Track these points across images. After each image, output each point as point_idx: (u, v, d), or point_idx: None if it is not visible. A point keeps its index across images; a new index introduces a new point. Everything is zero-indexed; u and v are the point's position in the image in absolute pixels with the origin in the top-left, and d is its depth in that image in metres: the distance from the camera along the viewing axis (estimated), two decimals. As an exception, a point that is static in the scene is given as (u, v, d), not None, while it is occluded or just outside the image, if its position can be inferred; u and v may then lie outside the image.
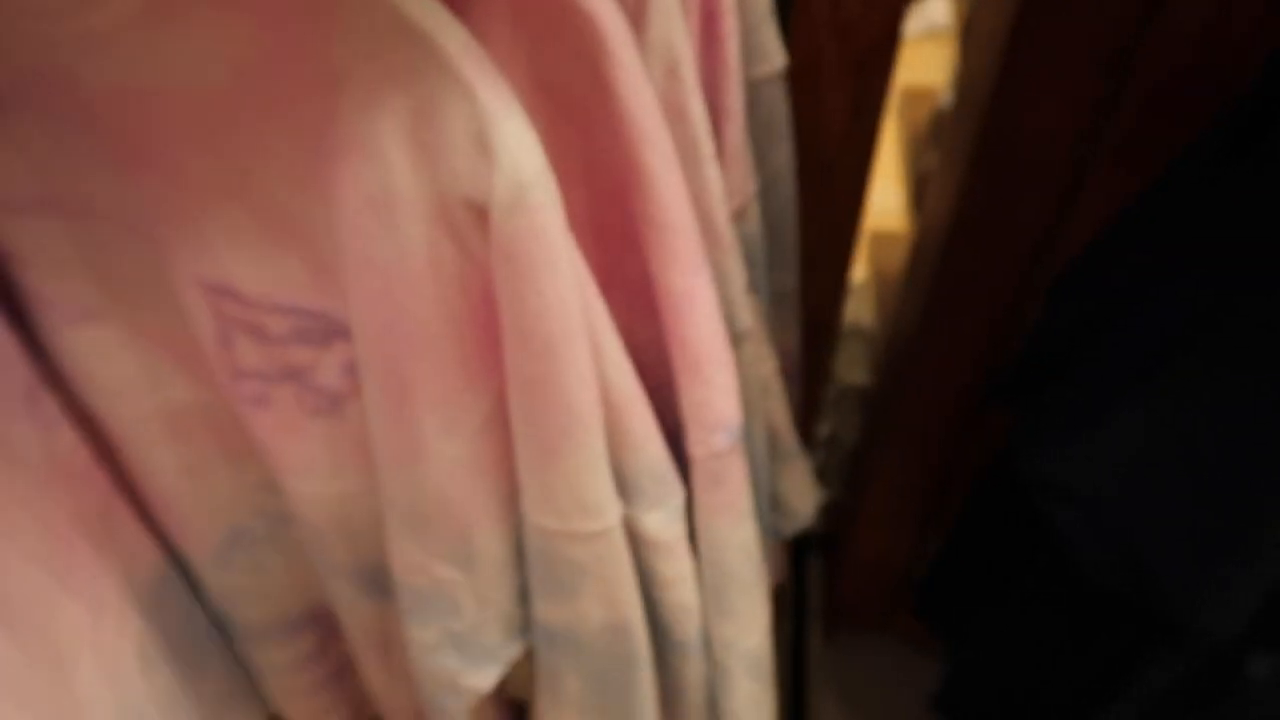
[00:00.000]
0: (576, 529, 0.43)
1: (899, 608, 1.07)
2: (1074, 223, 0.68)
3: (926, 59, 1.20)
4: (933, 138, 1.11)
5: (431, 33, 0.32)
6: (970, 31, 0.82)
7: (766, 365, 0.58)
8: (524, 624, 0.51)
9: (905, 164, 1.21)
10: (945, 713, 0.76)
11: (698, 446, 0.45)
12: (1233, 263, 0.49)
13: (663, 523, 0.45)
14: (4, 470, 0.42)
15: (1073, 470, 0.53)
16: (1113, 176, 0.64)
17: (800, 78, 0.62)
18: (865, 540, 1.03)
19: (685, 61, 0.41)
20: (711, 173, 0.45)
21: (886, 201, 1.18)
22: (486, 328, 0.39)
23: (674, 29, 0.40)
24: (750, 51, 0.53)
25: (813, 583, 1.16)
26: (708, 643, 0.51)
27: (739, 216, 0.54)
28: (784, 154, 0.60)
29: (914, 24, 1.25)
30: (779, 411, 0.61)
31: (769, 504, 0.64)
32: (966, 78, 0.75)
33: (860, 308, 1.13)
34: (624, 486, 0.43)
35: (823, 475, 1.10)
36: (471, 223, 0.36)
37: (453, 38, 0.33)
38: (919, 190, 1.12)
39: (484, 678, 0.51)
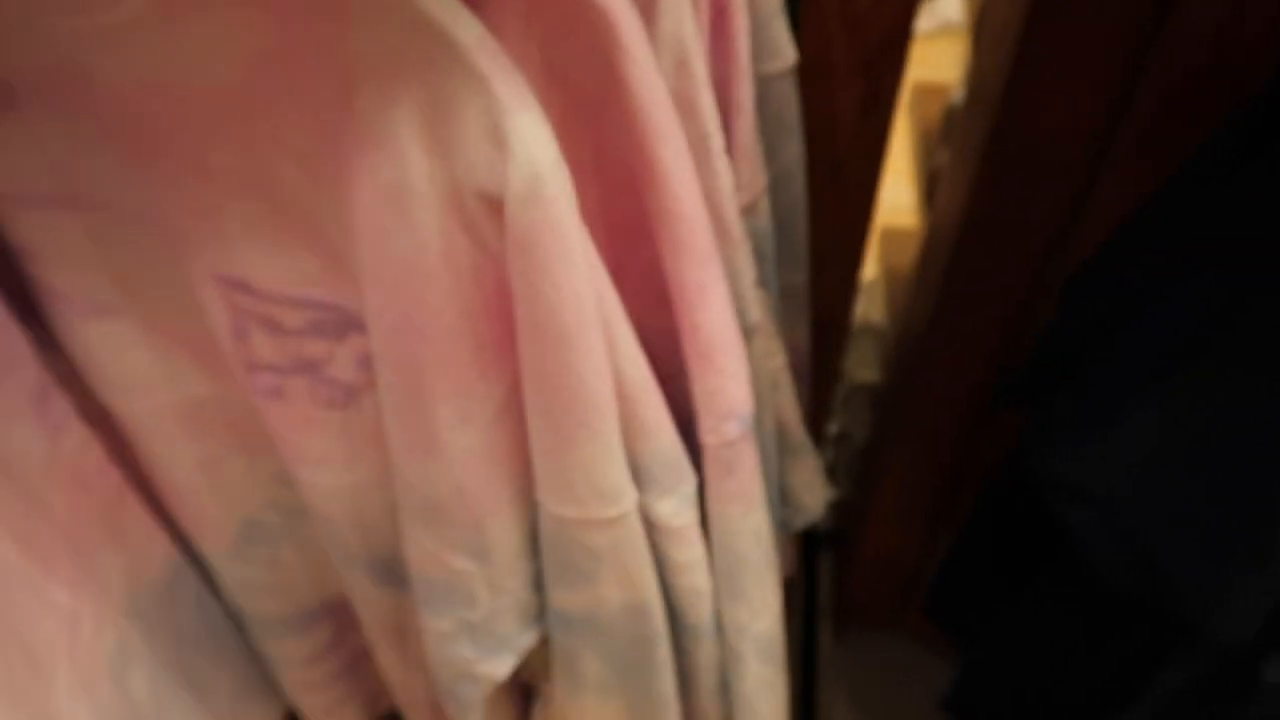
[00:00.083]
0: (595, 516, 0.43)
1: (909, 605, 1.06)
2: (1087, 222, 0.68)
3: (939, 55, 1.20)
4: (945, 134, 1.11)
5: (447, 26, 0.32)
6: (982, 28, 0.82)
7: (776, 360, 0.59)
8: (539, 612, 0.51)
9: (917, 160, 1.21)
10: (956, 713, 0.76)
11: (710, 435, 0.45)
12: (1246, 262, 0.49)
13: (675, 509, 0.45)
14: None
15: (1086, 470, 0.53)
16: (1126, 176, 0.64)
17: (811, 74, 0.62)
18: (875, 538, 1.02)
19: (695, 56, 0.42)
20: (721, 167, 0.45)
21: (898, 198, 1.18)
22: (500, 319, 0.39)
23: (684, 23, 0.41)
24: (761, 47, 0.53)
25: (823, 580, 1.16)
26: (720, 627, 0.51)
27: (749, 211, 0.54)
28: (794, 150, 0.60)
29: (927, 20, 1.25)
30: (788, 406, 0.61)
31: (778, 498, 0.64)
32: (978, 75, 0.75)
33: (871, 305, 1.12)
34: (637, 474, 0.44)
35: (833, 473, 1.11)
36: (486, 215, 0.36)
37: (468, 31, 0.33)
38: (931, 187, 1.12)
39: (499, 666, 0.51)
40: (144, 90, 0.37)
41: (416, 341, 0.40)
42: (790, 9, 0.56)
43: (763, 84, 0.54)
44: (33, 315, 0.46)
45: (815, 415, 0.80)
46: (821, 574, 1.16)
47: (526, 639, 0.51)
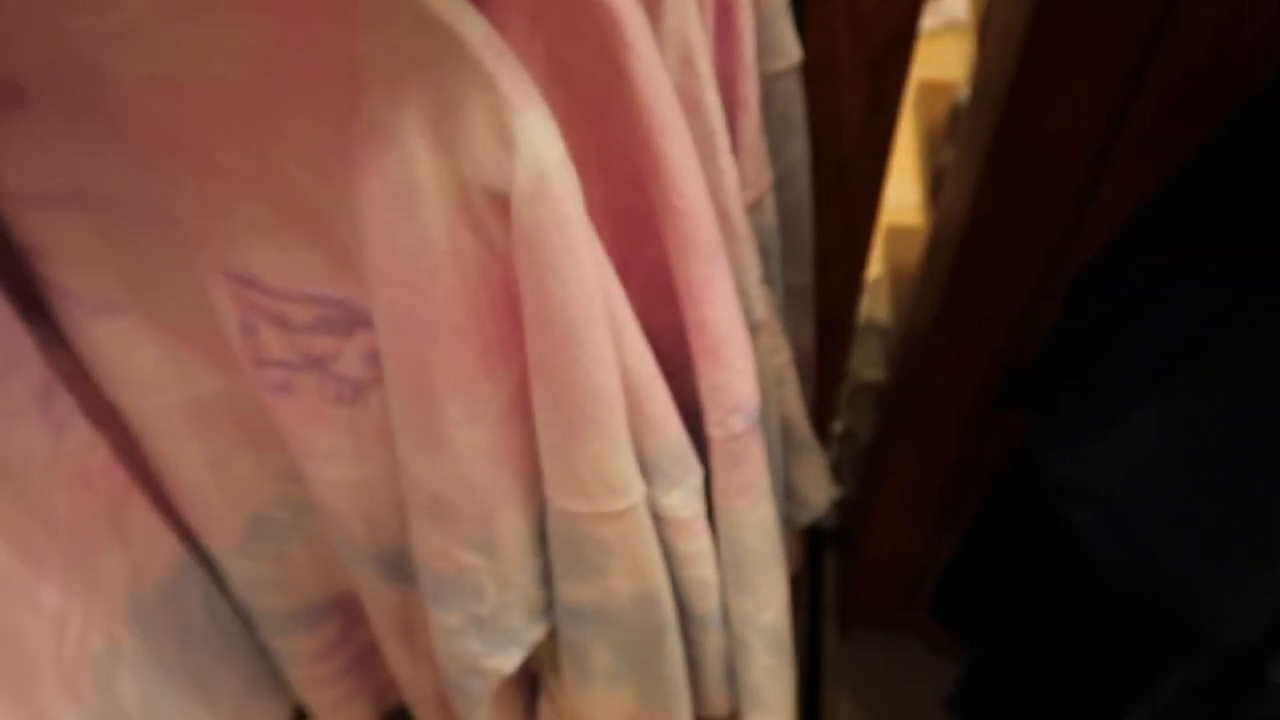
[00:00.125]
0: (604, 509, 0.43)
1: (914, 605, 1.06)
2: (1091, 221, 0.68)
3: (945, 53, 1.20)
4: (950, 133, 1.11)
5: (452, 24, 0.33)
6: (987, 28, 0.82)
7: (781, 356, 0.59)
8: (546, 606, 0.51)
9: (922, 159, 1.21)
10: (961, 713, 0.76)
11: (716, 428, 0.45)
12: (1247, 262, 0.48)
13: (682, 501, 0.46)
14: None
15: (1088, 470, 0.53)
16: (1129, 175, 0.64)
17: (816, 72, 0.62)
18: (880, 537, 1.02)
19: (700, 53, 0.42)
20: (726, 164, 0.45)
21: (903, 197, 1.17)
22: (507, 316, 0.39)
23: (689, 21, 0.41)
24: (766, 46, 0.53)
25: (828, 579, 1.15)
26: (727, 618, 0.51)
27: (754, 209, 0.54)
28: (799, 148, 0.61)
29: (932, 18, 1.25)
30: (793, 402, 0.61)
31: (783, 493, 0.64)
32: (983, 74, 0.75)
33: (876, 304, 1.12)
34: (644, 468, 0.44)
35: (837, 471, 1.11)
36: (493, 212, 0.36)
37: (474, 29, 0.33)
38: (936, 186, 1.12)
39: (506, 660, 0.51)
40: (151, 89, 0.37)
41: (423, 339, 0.40)
42: (795, 7, 0.56)
43: (768, 82, 0.54)
44: (38, 314, 0.46)
45: (820, 414, 0.80)
46: (826, 573, 1.16)
47: (534, 633, 0.52)
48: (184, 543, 0.55)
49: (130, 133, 0.39)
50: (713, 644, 0.52)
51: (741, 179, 0.48)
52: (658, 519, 0.46)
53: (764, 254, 0.54)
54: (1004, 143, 0.66)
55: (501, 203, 0.35)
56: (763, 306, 0.52)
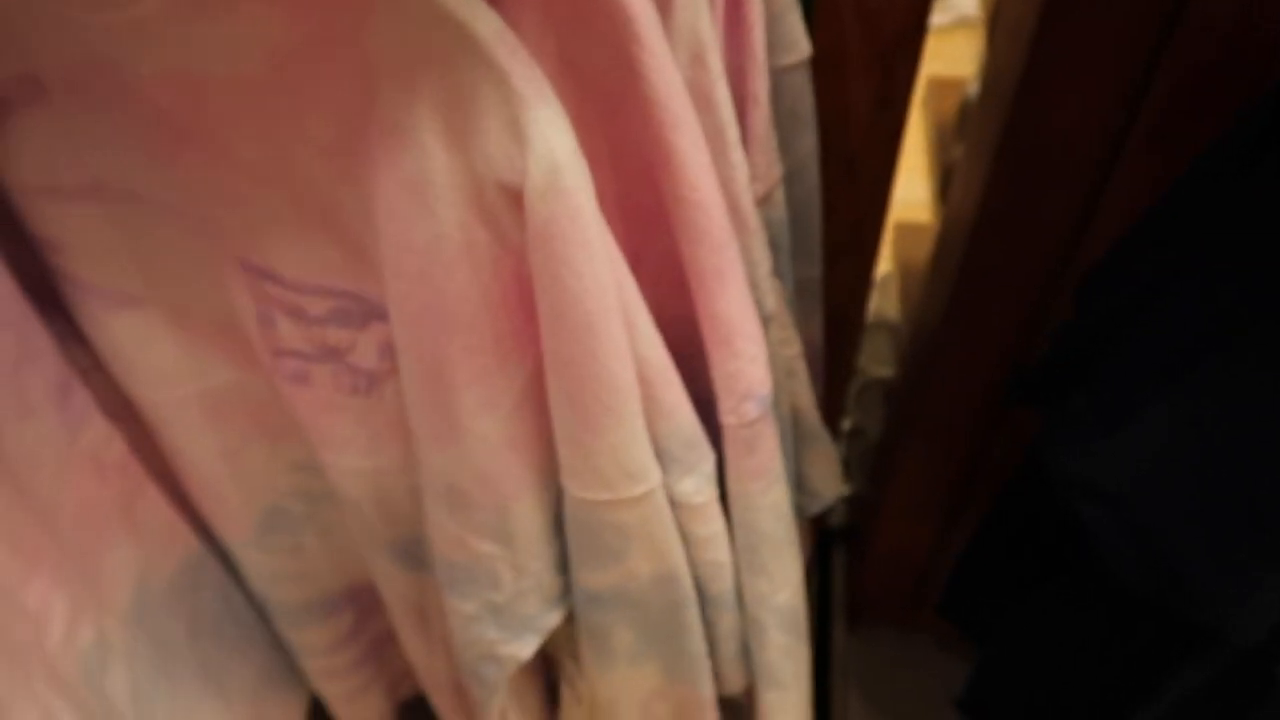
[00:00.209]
0: (623, 495, 0.44)
1: (923, 602, 1.06)
2: (1101, 218, 0.67)
3: (955, 49, 1.19)
4: (960, 129, 1.11)
5: (466, 20, 0.33)
6: (997, 24, 0.82)
7: (791, 348, 0.59)
8: (562, 592, 0.52)
9: (932, 155, 1.21)
10: (970, 711, 0.76)
11: (730, 415, 0.46)
12: (1258, 259, 0.48)
13: (696, 487, 0.46)
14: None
15: (1098, 467, 0.53)
16: (1139, 172, 0.64)
17: (825, 67, 0.62)
18: (889, 534, 1.02)
19: (710, 48, 0.42)
20: (737, 158, 0.45)
21: (912, 193, 1.17)
22: (519, 309, 0.40)
23: (700, 16, 0.41)
24: (775, 41, 0.53)
25: (836, 576, 1.15)
26: (741, 599, 0.52)
27: (764, 202, 0.54)
28: (808, 143, 0.61)
29: (942, 14, 1.24)
30: (803, 394, 0.62)
31: (794, 484, 0.64)
32: (992, 71, 0.75)
33: (885, 300, 1.12)
34: (657, 454, 0.44)
35: (846, 468, 1.11)
36: (505, 206, 0.36)
37: (487, 25, 0.33)
38: (946, 182, 1.12)
39: (523, 647, 0.52)
40: (170, 83, 0.37)
41: (437, 331, 0.40)
42: (805, 2, 0.56)
43: (777, 77, 0.54)
44: (55, 308, 0.46)
45: (829, 410, 0.80)
46: (835, 569, 1.16)
47: (551, 619, 0.52)
48: (199, 536, 0.55)
49: (149, 127, 0.40)
50: (727, 624, 0.52)
51: (752, 172, 0.49)
52: (672, 504, 0.46)
53: (774, 247, 0.55)
54: (1013, 139, 0.66)
55: (515, 197, 0.36)
56: (773, 299, 0.53)
